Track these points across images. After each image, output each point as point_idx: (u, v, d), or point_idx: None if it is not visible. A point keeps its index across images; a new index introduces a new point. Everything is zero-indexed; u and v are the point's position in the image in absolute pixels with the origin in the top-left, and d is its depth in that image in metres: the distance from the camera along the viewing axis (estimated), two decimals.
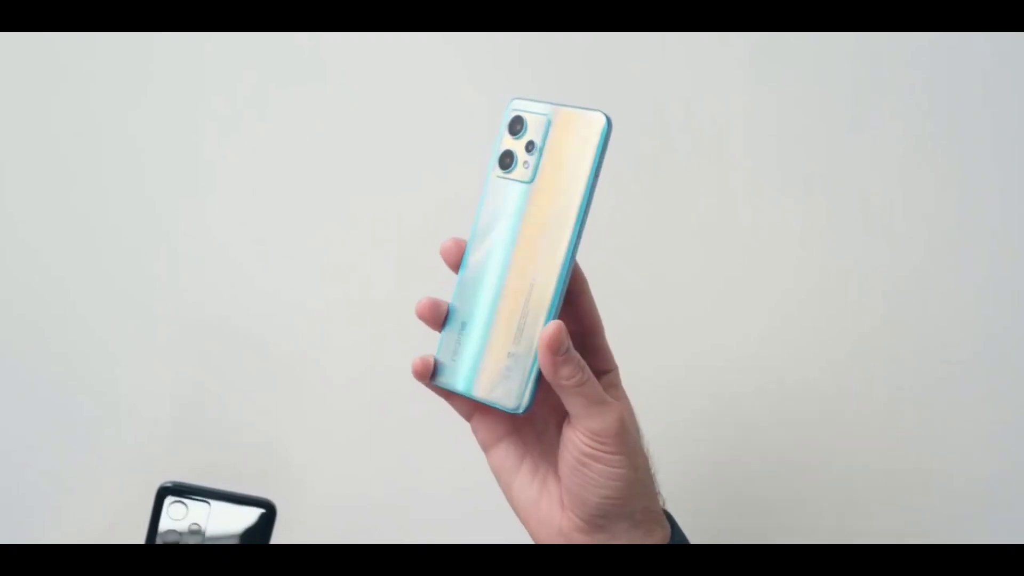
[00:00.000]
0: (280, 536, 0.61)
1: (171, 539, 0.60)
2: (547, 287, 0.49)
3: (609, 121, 0.48)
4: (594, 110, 0.49)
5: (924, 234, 0.78)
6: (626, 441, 0.49)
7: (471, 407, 0.52)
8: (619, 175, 0.78)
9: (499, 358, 0.49)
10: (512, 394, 0.49)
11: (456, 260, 0.51)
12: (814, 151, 0.78)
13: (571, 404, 0.49)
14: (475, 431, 0.53)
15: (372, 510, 0.82)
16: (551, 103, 0.50)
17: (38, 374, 0.81)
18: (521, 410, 0.49)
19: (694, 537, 0.55)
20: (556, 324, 0.47)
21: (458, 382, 0.50)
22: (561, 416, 0.51)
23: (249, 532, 0.60)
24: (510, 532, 0.54)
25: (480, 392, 0.50)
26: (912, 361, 0.79)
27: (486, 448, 0.53)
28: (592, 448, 0.48)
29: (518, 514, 0.52)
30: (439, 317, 0.51)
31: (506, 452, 0.52)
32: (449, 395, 0.52)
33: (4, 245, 0.81)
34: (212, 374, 0.82)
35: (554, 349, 0.47)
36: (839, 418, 0.79)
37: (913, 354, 0.79)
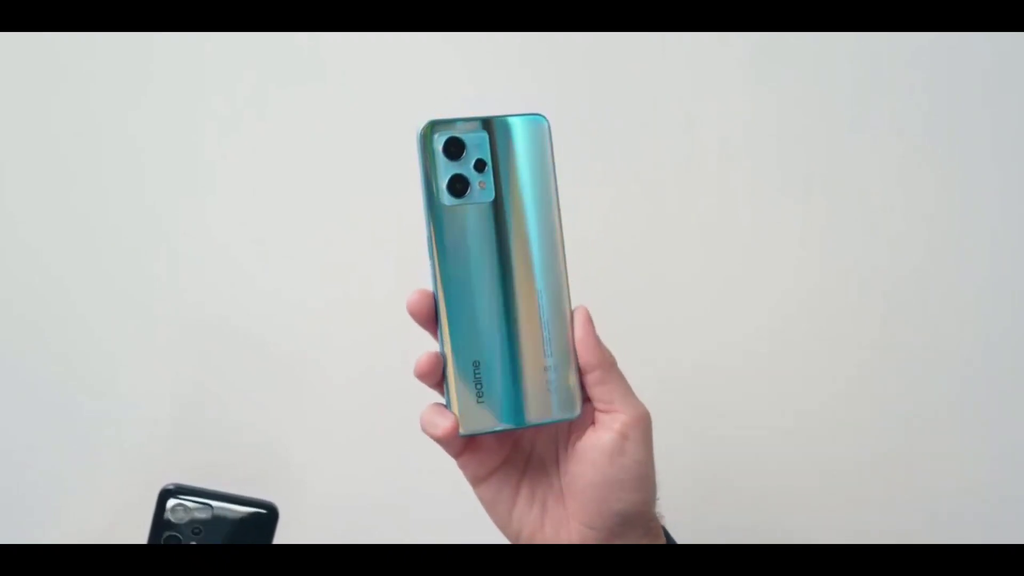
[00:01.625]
0: (280, 536, 0.61)
1: (172, 541, 0.60)
2: (556, 291, 0.49)
3: (547, 119, 0.49)
4: (528, 114, 0.49)
5: (924, 234, 0.78)
6: (649, 438, 0.49)
7: (462, 445, 0.50)
8: (619, 175, 0.79)
9: (538, 376, 0.48)
10: (567, 403, 0.49)
11: (427, 312, 0.48)
12: (814, 151, 0.78)
13: (613, 388, 0.48)
14: (464, 467, 0.51)
15: (372, 510, 0.82)
16: (476, 117, 0.48)
17: (38, 374, 0.81)
18: (580, 413, 0.49)
19: (692, 537, 0.55)
20: (583, 306, 0.48)
21: (501, 419, 0.48)
22: (549, 434, 0.51)
23: (251, 534, 0.60)
24: None
25: (534, 416, 0.48)
26: (912, 361, 0.79)
27: (477, 482, 0.51)
28: (627, 440, 0.48)
29: (518, 541, 0.51)
30: (439, 372, 0.48)
31: (500, 482, 0.51)
32: (450, 438, 0.49)
33: (4, 245, 0.81)
34: (212, 374, 0.82)
35: (593, 325, 0.48)
36: (839, 417, 0.79)
37: (913, 354, 0.79)
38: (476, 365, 0.48)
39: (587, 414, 0.49)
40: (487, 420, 0.48)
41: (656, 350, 0.79)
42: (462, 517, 0.79)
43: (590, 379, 0.48)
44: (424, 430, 0.49)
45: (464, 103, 0.80)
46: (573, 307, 0.49)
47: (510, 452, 0.51)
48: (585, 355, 0.48)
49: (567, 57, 0.79)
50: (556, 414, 0.49)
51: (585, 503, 0.49)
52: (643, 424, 0.48)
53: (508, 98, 0.80)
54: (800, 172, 0.79)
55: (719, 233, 0.79)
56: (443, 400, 0.49)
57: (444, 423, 0.48)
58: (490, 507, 0.52)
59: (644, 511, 0.49)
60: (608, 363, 0.48)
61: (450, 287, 0.48)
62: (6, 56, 0.79)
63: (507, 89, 0.79)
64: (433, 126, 0.48)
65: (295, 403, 0.82)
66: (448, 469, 0.80)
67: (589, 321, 0.48)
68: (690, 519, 0.56)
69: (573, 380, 0.49)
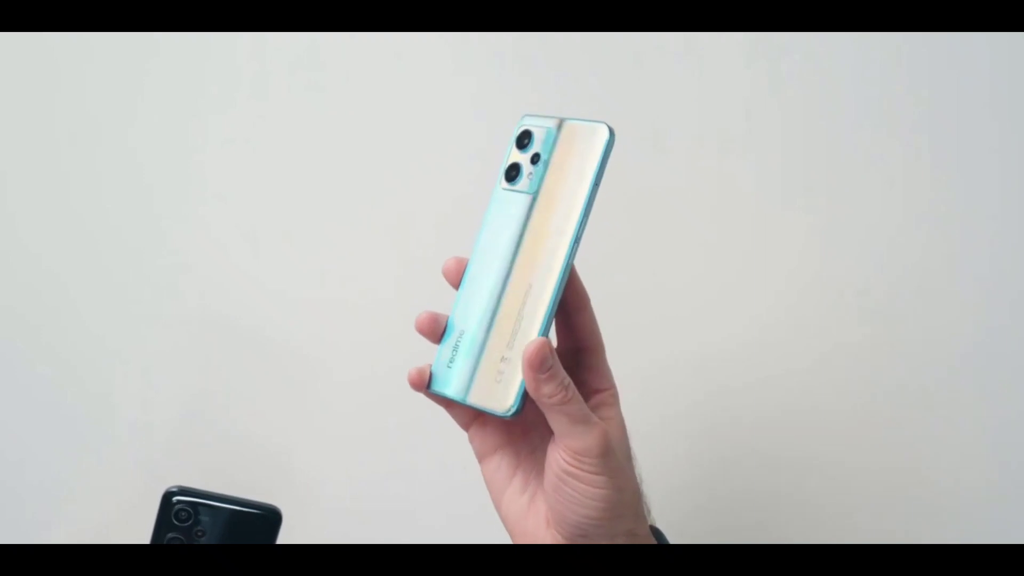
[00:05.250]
0: (281, 537, 0.61)
1: (175, 543, 0.60)
2: (543, 292, 0.49)
3: (612, 132, 0.49)
4: (598, 122, 0.50)
5: (924, 234, 0.78)
6: (608, 462, 0.48)
7: (469, 416, 0.52)
8: (621, 175, 0.78)
9: (493, 364, 0.49)
10: (503, 399, 0.49)
11: (458, 279, 0.51)
12: (814, 151, 0.78)
13: (554, 422, 0.48)
14: (471, 440, 0.53)
15: (373, 511, 0.82)
16: (558, 116, 0.51)
17: (39, 375, 0.81)
18: (510, 414, 0.49)
19: (686, 536, 0.55)
20: (539, 341, 0.47)
21: (452, 389, 0.50)
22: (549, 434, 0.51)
23: (254, 538, 0.60)
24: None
25: (473, 398, 0.50)
26: (912, 361, 0.79)
27: (481, 458, 0.53)
28: (572, 466, 0.48)
29: (505, 526, 0.52)
30: (438, 331, 0.51)
31: (499, 464, 0.52)
32: (448, 403, 0.52)
33: (4, 246, 0.81)
34: (214, 376, 0.82)
35: (535, 367, 0.47)
36: (837, 417, 0.80)
37: (913, 354, 0.79)
38: (460, 334, 0.51)
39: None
40: (444, 386, 0.51)
41: (656, 350, 0.79)
42: (462, 517, 0.80)
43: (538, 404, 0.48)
44: None
45: (465, 103, 0.80)
46: (542, 333, 0.48)
47: (517, 438, 0.52)
48: (527, 386, 0.47)
49: (567, 57, 0.78)
50: (489, 403, 0.49)
51: (551, 508, 0.50)
52: (587, 454, 0.48)
53: (508, 98, 0.81)
54: (800, 172, 0.79)
55: (719, 233, 0.79)
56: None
57: (415, 373, 0.50)
58: (488, 485, 0.53)
59: (606, 525, 0.49)
60: (546, 400, 0.47)
61: (474, 262, 0.51)
62: (5, 56, 0.79)
63: (508, 89, 0.79)
64: (525, 116, 0.52)
65: (298, 405, 0.82)
66: (449, 469, 0.80)
67: (533, 360, 0.47)
68: (679, 518, 0.56)
69: (518, 382, 0.48)
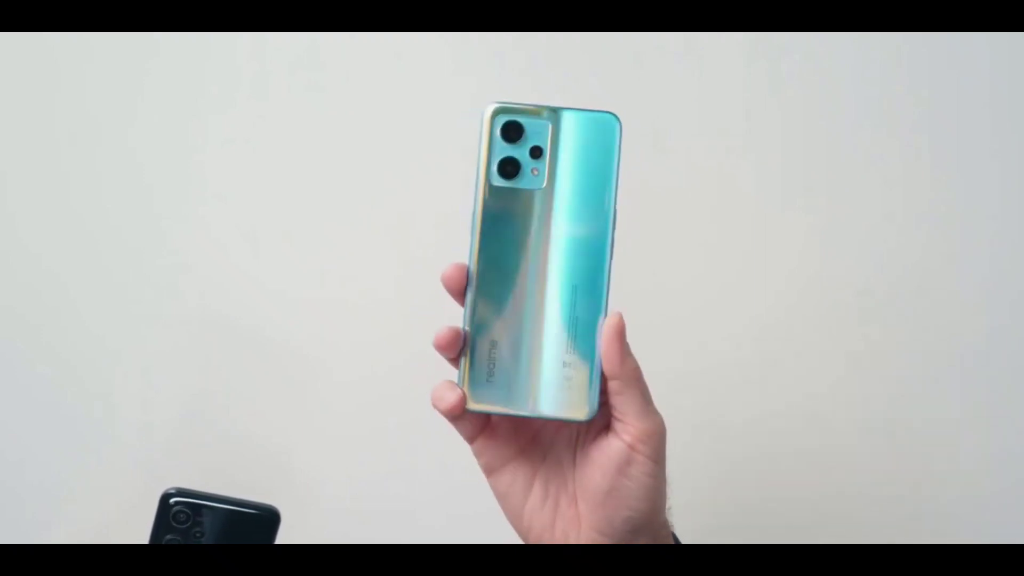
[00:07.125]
0: (281, 537, 0.61)
1: (174, 544, 0.60)
2: (594, 292, 0.48)
3: (620, 121, 0.49)
4: (602, 112, 0.49)
5: (924, 234, 0.78)
6: (661, 451, 0.48)
7: (476, 429, 0.50)
8: (620, 175, 0.79)
9: (554, 370, 0.48)
10: (580, 404, 0.48)
11: (460, 286, 0.48)
12: (814, 151, 0.79)
13: (629, 401, 0.48)
14: (479, 454, 0.50)
15: (373, 511, 0.82)
16: (542, 106, 0.49)
17: (39, 375, 0.81)
18: (589, 417, 0.48)
19: (681, 535, 0.55)
20: (619, 313, 0.48)
21: (506, 403, 0.48)
22: (569, 433, 0.51)
23: (252, 538, 0.60)
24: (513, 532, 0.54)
25: (542, 408, 0.48)
26: (912, 361, 0.79)
27: (490, 471, 0.51)
28: (637, 452, 0.47)
29: (527, 538, 0.51)
30: (459, 346, 0.48)
31: (514, 475, 0.50)
32: (458, 419, 0.49)
33: (4, 246, 0.81)
34: (214, 376, 0.81)
35: (622, 336, 0.47)
36: (837, 418, 0.80)
37: (913, 354, 0.79)
38: (493, 345, 0.48)
39: (604, 419, 0.49)
40: (494, 400, 0.48)
41: (658, 350, 0.79)
42: (464, 517, 0.80)
43: (610, 387, 0.48)
44: (433, 404, 0.48)
45: (466, 103, 0.80)
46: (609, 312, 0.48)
47: (527, 445, 0.51)
48: (607, 363, 0.47)
49: (567, 58, 0.79)
50: (564, 412, 0.48)
51: (594, 508, 0.49)
52: (655, 438, 0.48)
53: (508, 98, 0.80)
54: (801, 172, 0.79)
55: (719, 233, 0.79)
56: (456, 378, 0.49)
57: (451, 396, 0.47)
58: (502, 499, 0.51)
59: (652, 519, 0.49)
60: (629, 375, 0.47)
61: (483, 265, 0.48)
62: (5, 56, 0.79)
63: (510, 89, 0.79)
64: (498, 108, 0.49)
65: (299, 405, 0.82)
66: (451, 469, 0.80)
67: (618, 330, 0.47)
68: (679, 519, 0.56)
69: (592, 382, 0.48)
